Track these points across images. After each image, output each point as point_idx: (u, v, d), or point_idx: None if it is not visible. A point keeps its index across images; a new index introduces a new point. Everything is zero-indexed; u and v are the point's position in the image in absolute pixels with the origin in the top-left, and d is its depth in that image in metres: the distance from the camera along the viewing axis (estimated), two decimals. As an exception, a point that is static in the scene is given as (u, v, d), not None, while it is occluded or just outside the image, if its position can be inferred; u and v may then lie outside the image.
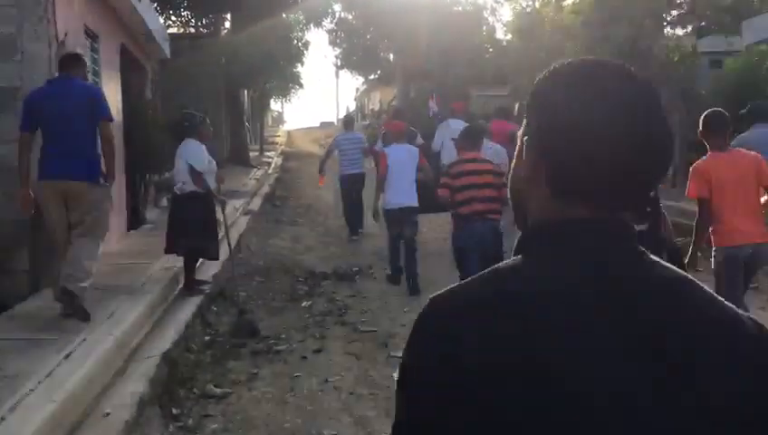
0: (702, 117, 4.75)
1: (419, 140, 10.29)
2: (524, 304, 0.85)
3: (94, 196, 5.04)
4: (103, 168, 5.18)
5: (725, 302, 0.91)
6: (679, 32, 14.47)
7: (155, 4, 16.47)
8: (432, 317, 0.90)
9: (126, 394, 4.24)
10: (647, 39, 13.05)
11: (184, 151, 6.75)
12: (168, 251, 6.79)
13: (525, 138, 0.97)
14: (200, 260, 7.07)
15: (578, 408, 0.80)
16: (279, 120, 58.26)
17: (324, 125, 51.51)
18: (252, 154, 22.21)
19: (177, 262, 6.92)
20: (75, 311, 4.96)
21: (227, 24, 19.00)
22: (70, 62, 5.19)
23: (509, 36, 34.30)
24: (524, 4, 21.58)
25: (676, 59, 13.44)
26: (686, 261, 4.34)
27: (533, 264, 0.90)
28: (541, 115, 0.94)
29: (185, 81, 16.84)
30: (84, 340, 4.72)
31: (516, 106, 21.61)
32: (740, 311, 0.92)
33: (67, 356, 4.39)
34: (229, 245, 7.32)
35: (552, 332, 0.83)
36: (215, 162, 6.98)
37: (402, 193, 7.43)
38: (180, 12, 17.88)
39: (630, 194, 0.92)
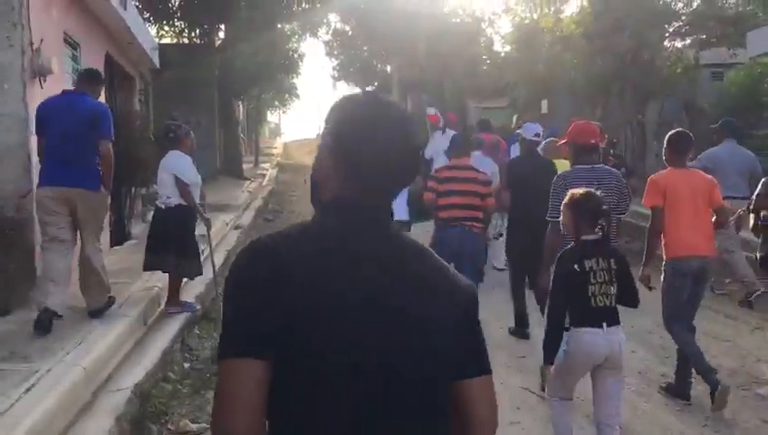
0: (667, 136, 5.02)
1: None
2: (326, 244, 1.33)
3: (93, 202, 5.32)
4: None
5: (444, 264, 1.45)
6: (680, 44, 14.18)
7: (147, 14, 16.29)
8: (260, 244, 1.33)
9: (90, 433, 3.87)
10: (649, 50, 12.78)
11: (169, 163, 6.38)
12: (147, 268, 6.42)
13: (327, 139, 1.41)
14: (185, 279, 6.70)
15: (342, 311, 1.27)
16: (276, 131, 57.98)
17: (321, 136, 51.13)
18: (246, 166, 21.87)
19: (159, 281, 6.55)
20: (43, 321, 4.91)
21: (222, 35, 18.69)
22: (86, 79, 5.54)
23: (507, 48, 34.16)
24: (523, 16, 21.32)
25: (678, 71, 13.17)
26: (639, 276, 4.61)
27: (327, 224, 1.37)
28: (338, 127, 1.39)
29: (178, 91, 16.55)
30: (49, 370, 4.35)
31: (515, 118, 21.47)
32: (460, 277, 1.46)
33: (28, 389, 4.01)
34: (213, 264, 6.93)
35: (342, 265, 1.31)
36: (199, 176, 6.61)
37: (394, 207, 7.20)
38: (174, 22, 17.57)
39: (395, 187, 1.41)
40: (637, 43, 12.38)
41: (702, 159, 7.09)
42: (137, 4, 15.07)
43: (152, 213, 6.75)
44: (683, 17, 13.36)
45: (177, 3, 16.93)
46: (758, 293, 6.89)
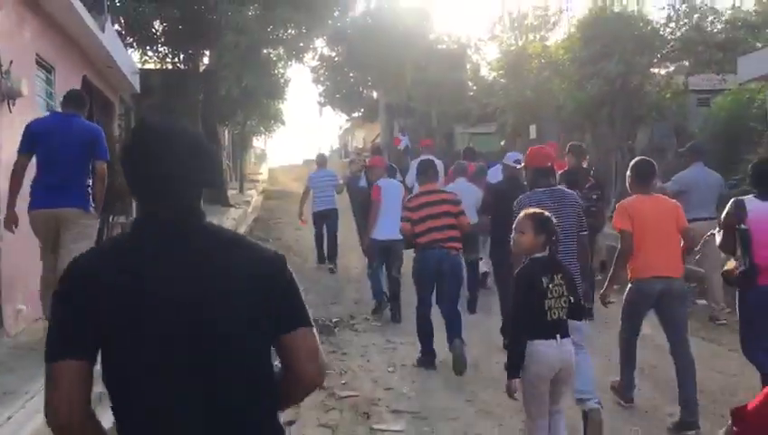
0: (631, 164, 5.27)
1: (399, 176, 10.52)
2: (131, 254, 1.63)
3: (85, 221, 5.39)
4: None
5: (252, 243, 1.77)
6: (669, 69, 14.07)
7: (130, 40, 16.03)
8: (73, 263, 1.65)
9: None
10: (638, 75, 12.67)
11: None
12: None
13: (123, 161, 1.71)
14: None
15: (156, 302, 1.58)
16: (262, 157, 57.64)
17: (307, 162, 50.97)
18: (231, 192, 21.49)
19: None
20: None
21: (206, 60, 18.46)
22: (73, 100, 5.56)
23: (494, 74, 34.23)
24: (509, 43, 21.30)
25: (667, 96, 13.07)
26: (600, 293, 5.12)
27: (134, 237, 1.67)
28: (127, 151, 1.71)
29: (160, 116, 16.21)
30: (10, 418, 3.99)
31: (502, 144, 21.37)
32: (266, 250, 1.76)
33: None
34: None
35: (146, 270, 1.60)
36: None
37: (390, 226, 7.53)
38: (157, 47, 17.31)
39: (182, 194, 1.68)
40: (626, 69, 12.25)
41: (674, 181, 7.45)
42: (119, 29, 14.86)
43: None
44: (671, 43, 13.28)
45: (160, 28, 16.68)
46: (720, 322, 7.18)
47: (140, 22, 15.10)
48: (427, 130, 29.38)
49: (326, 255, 11.04)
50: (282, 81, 19.65)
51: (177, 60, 17.45)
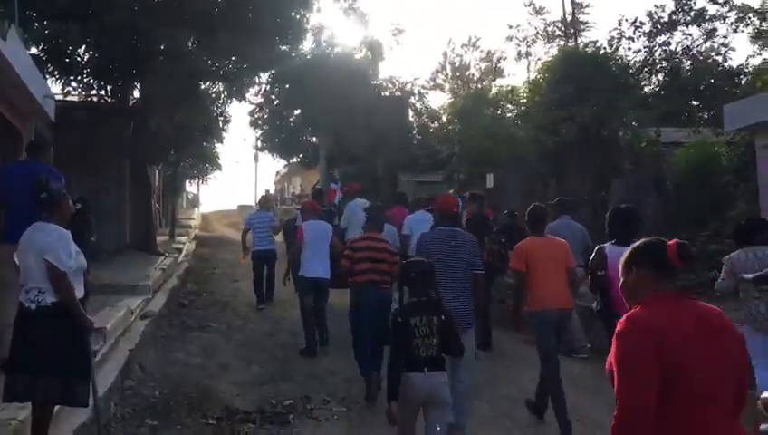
0: (528, 210, 6.24)
1: (336, 220, 11.20)
2: None
3: None
4: None
5: None
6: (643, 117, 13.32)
7: (51, 68, 14.28)
8: None
9: None
10: (618, 119, 11.78)
11: (38, 240, 4.45)
12: (6, 399, 4.39)
13: None
14: (57, 406, 4.67)
15: None
16: (194, 202, 55.35)
17: (243, 208, 49.05)
18: (161, 239, 19.64)
19: (20, 412, 4.52)
20: None
21: (137, 94, 16.78)
22: (34, 148, 6.58)
23: (437, 122, 33.66)
24: (456, 89, 20.44)
25: (643, 144, 12.23)
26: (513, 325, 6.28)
27: None
28: None
29: (84, 154, 14.49)
30: None
31: (451, 192, 20.48)
32: None
33: None
34: (94, 386, 4.77)
35: None
36: (82, 255, 4.65)
37: (317, 266, 8.26)
38: (82, 77, 15.54)
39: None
40: (601, 114, 11.34)
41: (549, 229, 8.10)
42: (37, 52, 13.12)
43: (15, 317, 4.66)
44: (646, 88, 12.52)
45: (85, 56, 14.95)
46: (582, 355, 8.00)
47: (62, 48, 13.42)
48: (371, 179, 28.32)
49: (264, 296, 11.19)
50: (220, 119, 18.07)
51: (104, 92, 15.73)
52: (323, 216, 9.58)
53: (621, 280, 2.64)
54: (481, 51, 37.21)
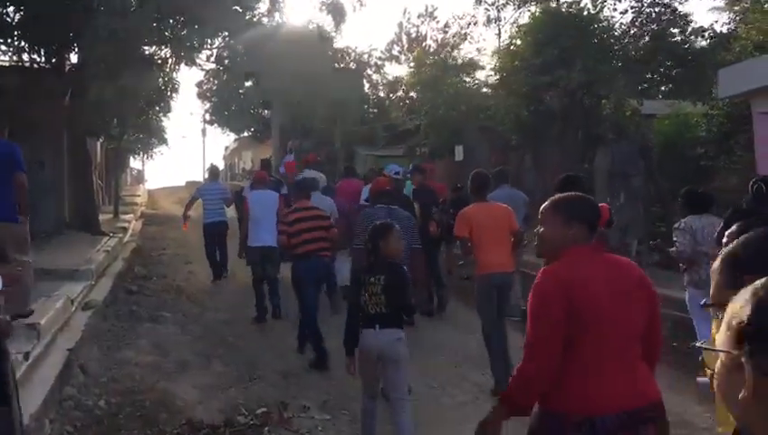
0: (470, 177, 6.46)
1: (284, 189, 10.99)
2: None
3: (18, 231, 6.16)
4: None
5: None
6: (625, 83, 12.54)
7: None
8: None
9: None
10: (606, 86, 10.96)
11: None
12: None
13: None
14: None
15: None
16: (140, 178, 53.23)
17: (191, 184, 47.25)
18: (104, 218, 18.24)
19: None
20: None
21: (75, 58, 15.24)
22: None
23: (392, 96, 32.66)
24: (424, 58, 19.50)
25: (628, 113, 11.48)
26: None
27: None
28: None
29: (14, 122, 13.00)
30: None
31: (410, 166, 19.75)
32: None
33: None
34: (17, 409, 3.67)
35: None
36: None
37: (263, 234, 8.36)
38: (12, 40, 13.95)
39: None
40: (588, 78, 10.50)
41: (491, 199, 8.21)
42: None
43: None
44: (632, 52, 11.73)
45: (14, 15, 13.40)
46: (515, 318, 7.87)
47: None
48: (328, 153, 27.24)
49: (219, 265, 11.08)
50: (168, 87, 16.66)
51: (37, 55, 14.17)
52: (271, 185, 9.67)
53: (542, 230, 2.74)
54: (438, 21, 36.26)
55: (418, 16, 35.84)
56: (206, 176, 12.18)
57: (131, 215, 22.38)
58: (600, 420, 2.41)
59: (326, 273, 7.25)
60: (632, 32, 12.05)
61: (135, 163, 52.84)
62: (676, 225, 6.26)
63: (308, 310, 6.95)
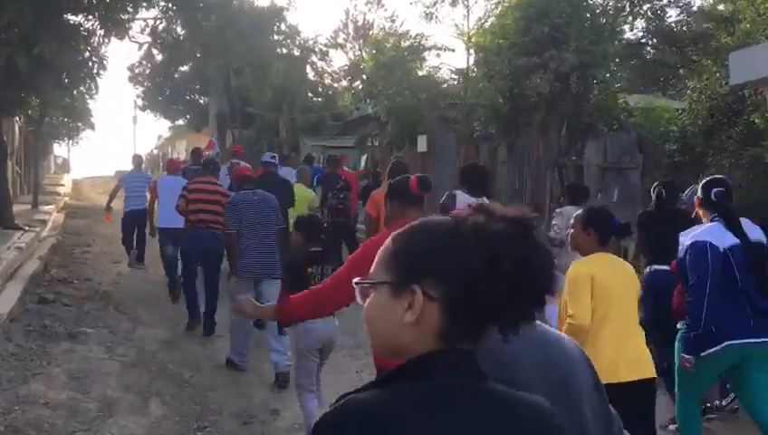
0: (389, 167, 6.89)
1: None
2: None
3: None
4: None
5: None
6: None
7: None
8: None
9: None
10: (602, 70, 9.83)
11: None
12: None
13: None
14: None
15: None
16: (65, 166, 50.07)
17: (120, 174, 44.57)
18: (21, 208, 16.26)
19: None
20: None
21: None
22: None
23: (336, 85, 31.21)
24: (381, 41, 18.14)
25: (620, 101, 10.40)
26: None
27: None
28: None
29: None
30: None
31: (363, 159, 18.50)
32: None
33: None
34: None
35: None
36: None
37: (170, 216, 8.39)
38: None
39: None
40: (581, 60, 9.34)
41: None
42: None
43: None
44: (626, 34, 10.69)
45: None
46: None
47: None
48: (271, 142, 25.59)
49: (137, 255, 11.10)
50: (95, 64, 14.68)
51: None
52: (191, 173, 9.80)
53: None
54: (385, 9, 35.05)
55: (366, 3, 34.25)
56: (132, 165, 12.25)
57: (53, 206, 20.27)
58: None
59: (216, 246, 7.24)
60: (626, 12, 11.00)
61: (60, 151, 49.71)
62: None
63: (189, 275, 7.51)
